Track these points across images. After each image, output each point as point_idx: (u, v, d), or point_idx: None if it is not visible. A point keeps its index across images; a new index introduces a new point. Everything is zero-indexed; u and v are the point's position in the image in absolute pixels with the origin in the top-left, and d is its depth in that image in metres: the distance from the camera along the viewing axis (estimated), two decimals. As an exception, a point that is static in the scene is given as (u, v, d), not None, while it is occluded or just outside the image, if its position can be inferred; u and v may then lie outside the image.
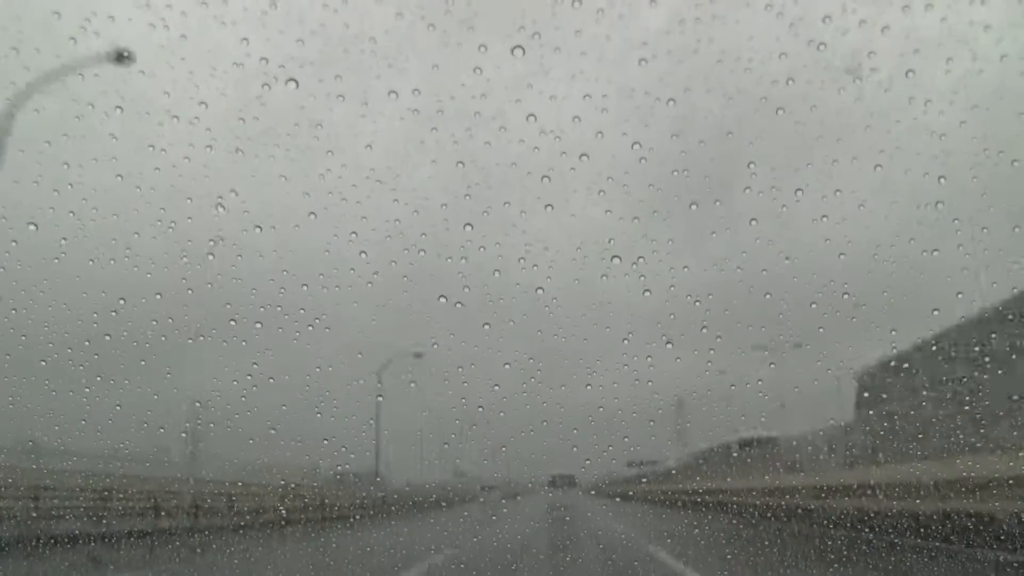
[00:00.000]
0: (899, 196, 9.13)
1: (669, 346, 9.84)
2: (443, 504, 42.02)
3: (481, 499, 43.26)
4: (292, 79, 8.56)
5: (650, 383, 10.38)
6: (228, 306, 9.88)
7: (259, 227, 9.66)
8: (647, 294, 9.50)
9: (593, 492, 53.69)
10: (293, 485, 23.07)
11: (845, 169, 8.92)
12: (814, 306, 8.90)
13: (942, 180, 7.86)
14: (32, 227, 8.51)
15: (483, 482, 53.72)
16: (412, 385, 13.86)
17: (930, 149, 7.93)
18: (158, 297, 9.71)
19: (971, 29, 7.28)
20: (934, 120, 7.71)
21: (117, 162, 9.31)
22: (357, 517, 23.76)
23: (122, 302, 9.26)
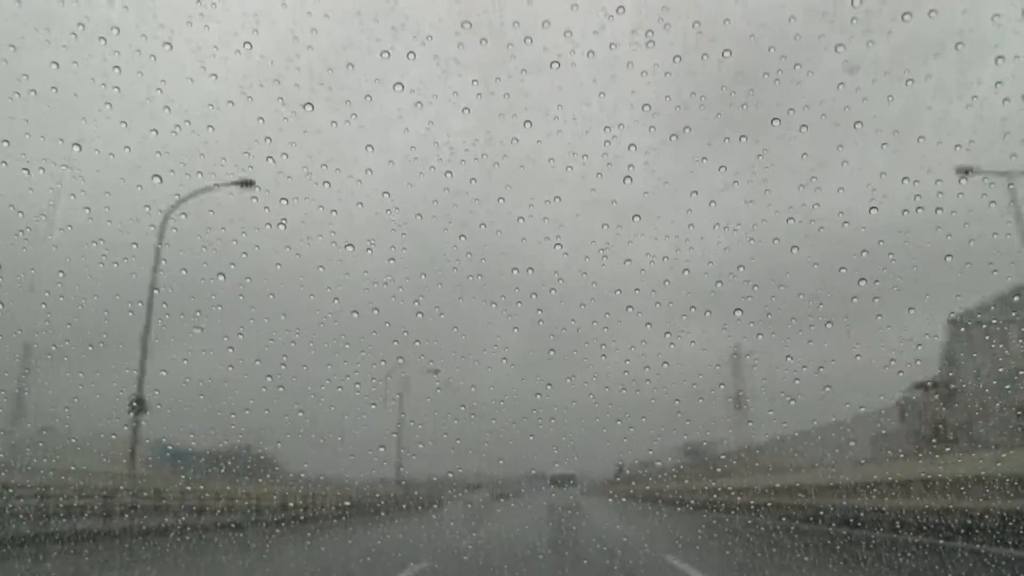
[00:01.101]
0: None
1: (690, 344, 9.51)
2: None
3: (469, 504, 37.09)
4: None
5: (649, 379, 10.01)
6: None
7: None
8: (661, 283, 9.15)
9: (605, 494, 51.59)
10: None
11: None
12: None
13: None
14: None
15: (467, 480, 46.14)
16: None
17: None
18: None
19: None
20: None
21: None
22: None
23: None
